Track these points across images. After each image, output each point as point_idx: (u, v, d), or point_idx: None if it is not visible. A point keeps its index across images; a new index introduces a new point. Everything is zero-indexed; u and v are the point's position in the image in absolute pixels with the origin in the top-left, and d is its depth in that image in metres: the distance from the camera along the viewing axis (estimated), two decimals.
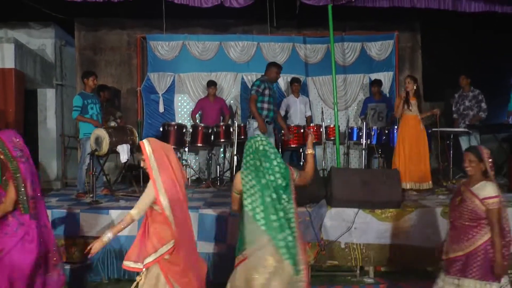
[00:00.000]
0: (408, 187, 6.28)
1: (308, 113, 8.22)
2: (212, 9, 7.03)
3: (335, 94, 6.75)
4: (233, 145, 7.12)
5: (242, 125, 7.63)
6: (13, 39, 7.85)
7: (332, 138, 7.61)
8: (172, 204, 3.17)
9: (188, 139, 7.31)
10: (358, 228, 5.18)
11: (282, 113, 8.12)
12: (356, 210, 5.18)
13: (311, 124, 7.78)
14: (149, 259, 3.19)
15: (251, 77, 8.94)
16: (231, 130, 7.29)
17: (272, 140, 6.44)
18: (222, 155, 8.31)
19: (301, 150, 7.76)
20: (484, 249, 3.30)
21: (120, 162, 6.90)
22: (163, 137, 7.27)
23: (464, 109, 7.72)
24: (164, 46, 8.96)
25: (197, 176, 8.06)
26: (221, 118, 8.12)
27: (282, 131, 7.24)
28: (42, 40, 9.28)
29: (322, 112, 7.60)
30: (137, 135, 6.70)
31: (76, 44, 9.31)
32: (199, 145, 7.39)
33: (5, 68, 7.62)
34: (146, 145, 3.18)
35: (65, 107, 9.48)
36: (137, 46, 9.13)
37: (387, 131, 7.54)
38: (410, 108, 6.41)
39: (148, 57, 8.99)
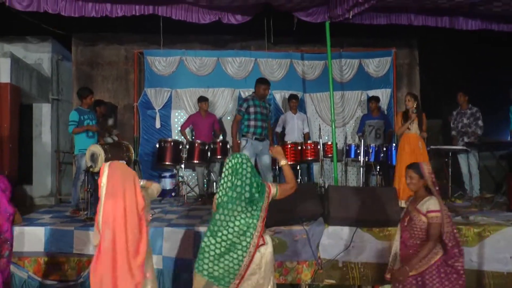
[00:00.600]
0: (404, 205, 6.25)
1: (306, 130, 8.27)
2: (209, 25, 7.14)
3: (332, 111, 6.80)
4: None
5: (239, 141, 7.68)
6: (9, 53, 7.91)
7: (329, 155, 7.64)
8: (106, 233, 3.04)
9: (184, 155, 7.32)
10: (355, 246, 5.17)
11: (279, 129, 8.17)
12: (353, 228, 5.18)
13: (309, 141, 7.82)
14: None
15: (248, 93, 8.98)
16: (228, 147, 7.33)
17: (267, 157, 6.46)
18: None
19: (298, 167, 7.79)
20: (437, 268, 3.38)
21: None
22: (159, 153, 7.30)
23: (462, 127, 7.77)
24: (161, 62, 9.04)
25: (193, 192, 8.07)
26: (213, 133, 8.14)
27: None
28: (39, 55, 9.35)
29: (320, 129, 7.62)
30: (133, 152, 6.70)
31: (73, 58, 9.39)
32: (195, 161, 7.40)
33: (1, 83, 7.67)
34: (105, 171, 3.12)
35: (61, 122, 9.52)
36: (135, 61, 9.21)
37: (385, 149, 7.58)
38: (409, 126, 6.46)
39: (145, 72, 9.06)
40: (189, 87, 9.03)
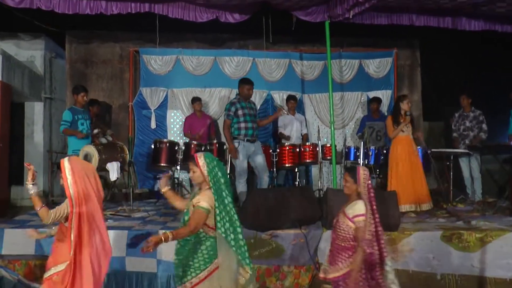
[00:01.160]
0: (404, 210, 6.27)
1: (304, 131, 8.27)
2: (207, 23, 7.13)
3: (332, 112, 6.81)
4: (227, 163, 7.13)
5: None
6: (0, 50, 7.88)
7: (328, 157, 7.63)
8: (82, 226, 3.21)
9: (180, 156, 7.31)
10: None
11: (283, 129, 8.14)
12: None
13: (307, 143, 7.81)
14: (45, 275, 3.34)
15: None
16: (225, 148, 7.31)
17: (260, 157, 6.52)
18: None
19: (296, 170, 7.78)
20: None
21: (109, 180, 6.89)
22: (155, 154, 7.29)
23: (464, 130, 7.79)
24: (157, 60, 9.03)
25: (188, 195, 8.03)
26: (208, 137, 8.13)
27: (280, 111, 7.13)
28: (32, 52, 9.31)
29: (319, 130, 7.62)
30: (127, 153, 6.72)
31: (66, 56, 9.36)
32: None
33: None
34: (66, 164, 3.22)
35: (54, 122, 9.48)
36: (130, 60, 9.19)
37: (385, 151, 7.58)
38: (404, 129, 6.47)
39: (141, 71, 9.05)
40: (186, 86, 9.02)
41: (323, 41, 6.97)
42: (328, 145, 7.69)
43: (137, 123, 8.95)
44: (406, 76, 9.73)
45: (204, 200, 3.23)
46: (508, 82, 7.86)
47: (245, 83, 6.59)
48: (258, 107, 8.99)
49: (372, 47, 9.48)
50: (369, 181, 3.51)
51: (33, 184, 3.36)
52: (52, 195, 8.89)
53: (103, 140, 7.38)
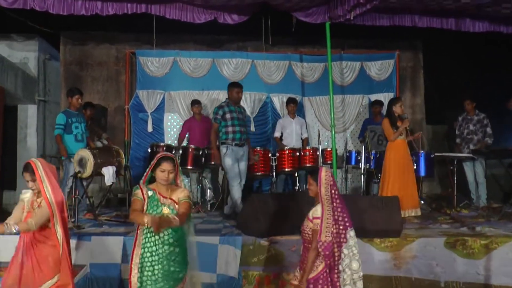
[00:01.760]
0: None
1: (304, 135, 8.27)
2: (205, 24, 7.14)
3: (332, 115, 6.82)
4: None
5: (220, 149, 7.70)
6: None
7: (329, 162, 7.63)
8: (63, 225, 3.37)
9: (178, 160, 7.28)
10: None
11: (278, 134, 8.16)
12: None
13: (308, 147, 7.81)
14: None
15: (244, 96, 8.97)
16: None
17: (243, 164, 6.55)
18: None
19: (296, 174, 7.77)
20: (323, 275, 3.47)
21: (104, 185, 6.89)
22: (151, 158, 7.25)
23: (468, 133, 7.79)
24: (154, 62, 9.03)
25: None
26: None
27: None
28: (25, 54, 9.33)
29: (319, 134, 7.63)
30: (123, 157, 6.71)
31: (61, 58, 9.36)
32: (189, 167, 7.39)
33: None
34: (38, 165, 3.36)
35: (48, 125, 9.48)
36: (126, 61, 9.19)
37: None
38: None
39: (137, 73, 9.05)
40: (183, 89, 9.02)
41: (323, 43, 6.99)
42: (329, 149, 7.70)
43: (133, 127, 8.93)
44: (408, 78, 9.74)
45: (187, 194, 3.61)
46: None
47: (235, 86, 6.65)
48: (257, 110, 9.03)
49: (373, 49, 9.49)
50: (332, 182, 3.54)
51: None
52: None
53: (99, 144, 7.38)
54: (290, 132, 8.10)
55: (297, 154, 7.62)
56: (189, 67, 9.08)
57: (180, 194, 3.56)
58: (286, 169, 7.53)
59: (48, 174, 3.35)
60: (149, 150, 7.43)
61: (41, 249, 3.37)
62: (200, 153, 7.42)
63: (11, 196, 8.82)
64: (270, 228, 5.24)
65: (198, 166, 7.44)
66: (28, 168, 3.38)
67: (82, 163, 6.01)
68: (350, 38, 9.23)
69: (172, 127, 9.02)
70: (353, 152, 7.84)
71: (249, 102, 9.01)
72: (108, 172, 6.24)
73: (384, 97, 9.08)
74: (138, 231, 3.45)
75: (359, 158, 7.55)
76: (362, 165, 7.38)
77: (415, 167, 6.76)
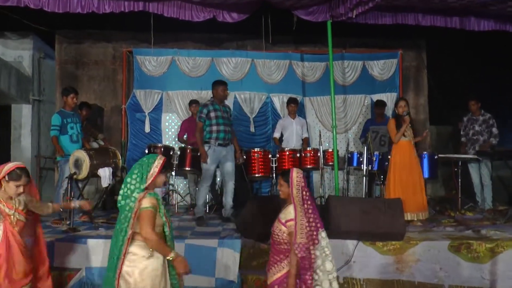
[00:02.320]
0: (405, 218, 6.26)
1: (305, 135, 8.27)
2: (204, 23, 7.13)
3: (334, 116, 6.80)
4: None
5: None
6: None
7: (330, 163, 7.63)
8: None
9: (175, 162, 7.32)
10: (357, 261, 5.17)
11: (278, 134, 8.16)
12: (355, 242, 5.18)
13: (308, 148, 7.81)
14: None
15: (244, 96, 9.03)
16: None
17: (230, 164, 6.51)
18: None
19: None
20: (285, 279, 3.53)
21: (101, 187, 6.88)
22: None
23: (474, 134, 7.79)
24: (151, 61, 9.04)
25: (184, 202, 8.04)
26: None
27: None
28: (19, 52, 9.31)
29: (320, 135, 7.63)
30: (120, 158, 6.71)
31: (56, 57, 9.36)
32: (187, 168, 7.39)
33: None
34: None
35: (43, 125, 9.47)
36: (123, 60, 9.20)
37: (389, 157, 7.54)
38: (405, 133, 6.47)
39: (135, 72, 9.06)
40: (181, 89, 9.03)
41: (325, 42, 6.98)
42: (330, 150, 7.69)
43: (130, 127, 8.94)
44: (411, 78, 9.74)
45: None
46: None
47: (220, 84, 6.65)
48: (257, 111, 9.04)
49: (376, 48, 9.50)
50: (303, 183, 3.59)
51: None
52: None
53: (95, 145, 7.38)
54: (290, 133, 8.11)
55: (298, 155, 7.63)
56: (187, 66, 9.09)
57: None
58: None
59: None
60: (147, 151, 7.43)
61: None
62: (198, 154, 7.40)
63: None
64: (270, 231, 5.23)
65: (196, 167, 7.43)
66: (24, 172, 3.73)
67: (77, 164, 6.01)
68: (352, 37, 9.23)
69: (170, 128, 9.03)
70: (355, 153, 7.83)
71: (248, 102, 9.02)
72: (105, 174, 6.23)
73: (387, 97, 9.09)
74: None
75: (361, 159, 7.54)
76: (364, 167, 7.37)
77: None
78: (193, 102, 8.20)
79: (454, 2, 6.59)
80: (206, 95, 8.94)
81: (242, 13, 7.08)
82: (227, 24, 7.19)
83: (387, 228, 5.23)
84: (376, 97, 9.11)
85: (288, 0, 6.72)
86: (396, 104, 6.67)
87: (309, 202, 3.57)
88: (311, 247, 3.52)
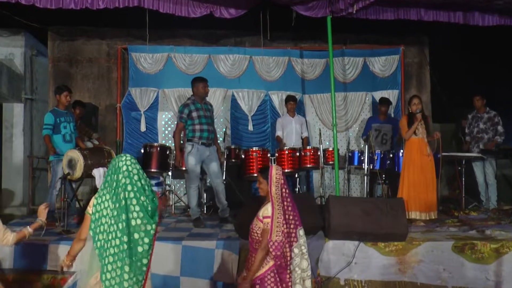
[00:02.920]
0: (413, 216, 6.30)
1: (305, 134, 8.27)
2: (200, 19, 7.13)
3: (334, 114, 6.81)
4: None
5: (232, 147, 7.69)
6: None
7: (330, 162, 7.64)
8: None
9: (172, 162, 7.31)
10: (359, 263, 5.18)
11: (280, 133, 8.15)
12: (356, 243, 5.19)
13: (308, 147, 7.81)
14: None
15: (242, 94, 9.02)
16: (223, 150, 7.33)
17: (215, 164, 6.49)
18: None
19: (296, 175, 7.77)
20: (270, 274, 3.59)
21: (95, 187, 6.87)
22: (145, 159, 7.27)
23: (478, 132, 7.79)
24: (147, 59, 9.03)
25: (181, 202, 8.04)
26: None
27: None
28: (10, 49, 9.28)
29: (320, 133, 7.64)
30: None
31: (49, 54, 9.35)
32: (184, 168, 7.37)
33: None
34: None
35: (35, 124, 9.46)
36: (118, 58, 9.20)
37: (391, 155, 7.58)
38: (416, 131, 6.49)
39: (130, 70, 9.05)
40: (178, 86, 9.01)
41: (324, 38, 6.98)
42: (331, 149, 7.70)
43: (126, 126, 8.93)
44: (414, 75, 9.74)
45: None
46: None
47: (200, 81, 6.61)
48: (255, 109, 9.04)
49: (377, 44, 9.49)
50: (283, 180, 3.63)
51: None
52: (33, 203, 8.85)
53: (89, 144, 7.37)
54: (290, 131, 8.11)
55: (297, 154, 7.62)
56: (184, 64, 9.08)
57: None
58: (286, 170, 7.50)
59: None
60: (142, 151, 7.42)
61: None
62: None
63: None
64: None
65: None
66: None
67: (71, 164, 6.00)
68: (353, 32, 9.23)
69: (166, 127, 9.03)
70: (356, 152, 7.83)
71: (246, 100, 9.02)
72: (99, 174, 6.20)
73: (388, 95, 9.09)
74: None
75: (362, 158, 7.55)
76: (366, 166, 7.38)
77: None
78: None
79: None
80: None
81: (240, 8, 7.08)
82: (224, 20, 7.18)
83: (389, 229, 5.24)
84: (377, 94, 9.13)
85: None
86: (409, 102, 6.72)
87: (288, 200, 3.63)
88: (294, 244, 3.60)
